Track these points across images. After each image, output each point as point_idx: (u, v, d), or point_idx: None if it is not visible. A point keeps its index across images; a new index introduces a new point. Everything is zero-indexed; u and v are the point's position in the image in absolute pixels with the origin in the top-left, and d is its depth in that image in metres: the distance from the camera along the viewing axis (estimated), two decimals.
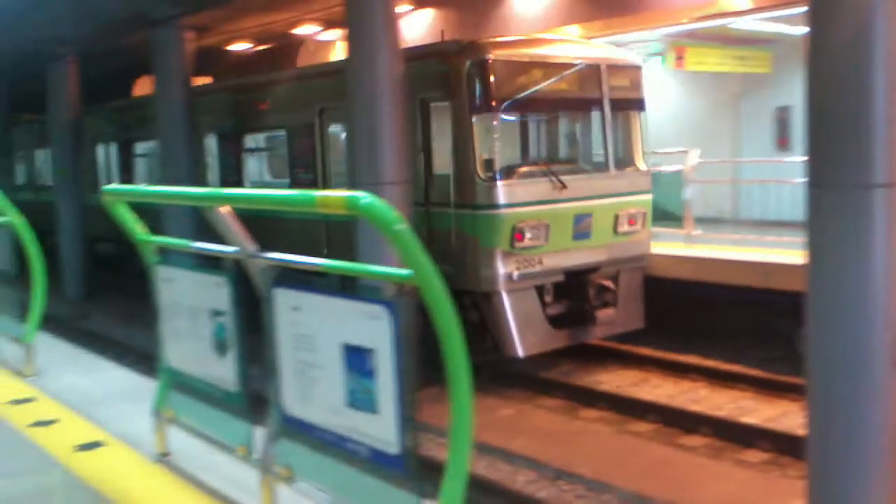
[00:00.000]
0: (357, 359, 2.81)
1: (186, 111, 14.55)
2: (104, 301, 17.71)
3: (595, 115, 11.24)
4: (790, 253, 10.25)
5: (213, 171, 14.92)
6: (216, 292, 3.57)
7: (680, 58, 15.30)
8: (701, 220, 13.13)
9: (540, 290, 10.30)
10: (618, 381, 10.47)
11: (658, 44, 16.44)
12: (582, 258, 10.56)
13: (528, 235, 9.96)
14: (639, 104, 11.54)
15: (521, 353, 10.03)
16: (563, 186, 10.22)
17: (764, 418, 8.93)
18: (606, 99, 10.93)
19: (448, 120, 10.26)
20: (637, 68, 11.64)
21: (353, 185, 9.85)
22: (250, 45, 20.93)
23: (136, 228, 4.04)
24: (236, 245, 3.35)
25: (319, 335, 3.00)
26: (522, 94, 10.03)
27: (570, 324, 10.62)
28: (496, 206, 9.80)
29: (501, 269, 9.88)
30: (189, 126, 14.51)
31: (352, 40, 10.39)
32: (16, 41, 17.38)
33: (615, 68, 11.13)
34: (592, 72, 10.80)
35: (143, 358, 12.46)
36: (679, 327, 11.76)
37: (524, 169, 10.64)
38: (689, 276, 11.41)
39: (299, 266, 3.13)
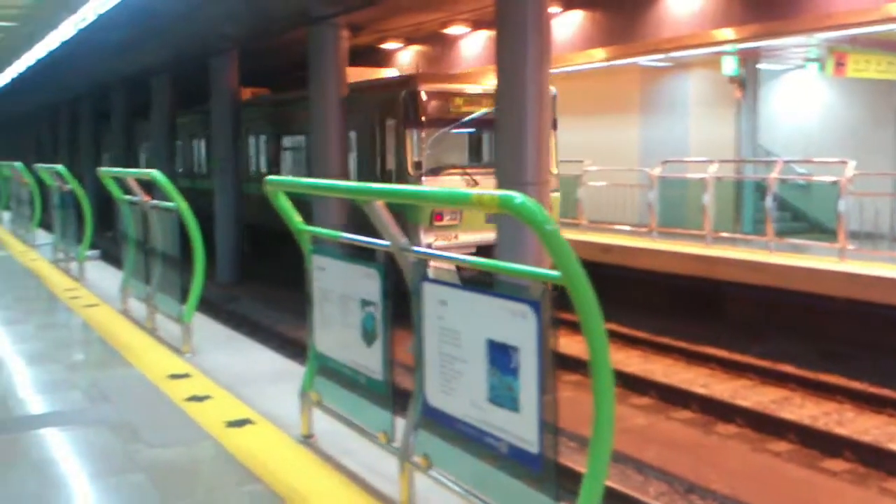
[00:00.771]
0: (500, 356, 2.84)
1: (340, 107, 15.05)
2: (253, 286, 18.50)
3: None
4: None
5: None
6: (367, 283, 3.69)
7: (840, 64, 14.70)
8: (856, 235, 12.56)
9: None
10: (757, 398, 10.17)
11: (816, 49, 15.81)
12: (492, 236, 12.34)
13: (445, 217, 13.29)
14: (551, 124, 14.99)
15: None
16: (476, 183, 13.73)
17: None
18: None
19: (394, 133, 14.15)
20: (551, 97, 14.95)
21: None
22: (401, 45, 21.35)
23: (295, 218, 4.21)
24: (389, 238, 3.45)
25: (464, 330, 3.05)
26: (445, 115, 13.66)
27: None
28: None
29: (423, 239, 13.23)
30: (341, 121, 15.07)
31: (500, 41, 10.48)
32: (183, 35, 18.37)
33: None
34: None
35: (286, 343, 12.98)
36: (823, 345, 11.32)
37: (445, 169, 13.92)
38: (840, 294, 10.95)
39: (451, 262, 3.21)
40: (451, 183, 13.34)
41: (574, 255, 2.44)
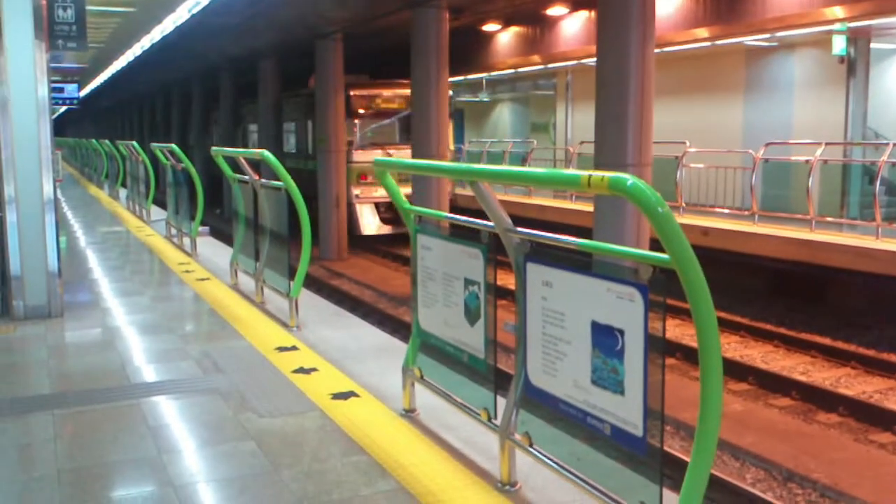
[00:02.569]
0: (605, 338, 2.85)
1: (441, 88, 15.14)
2: (354, 263, 18.88)
3: None
4: None
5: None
6: (470, 262, 3.75)
7: None
8: None
9: (377, 206, 20.92)
10: (861, 387, 9.91)
11: None
12: (402, 191, 17.42)
13: (369, 178, 19.43)
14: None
15: (364, 233, 20.76)
16: (389, 154, 19.71)
17: None
18: None
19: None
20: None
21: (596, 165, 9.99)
22: (499, 27, 21.27)
23: (401, 197, 4.30)
24: (494, 219, 3.49)
25: (569, 311, 3.06)
26: (368, 109, 20.86)
27: (392, 223, 20.68)
28: (351, 162, 20.69)
29: (354, 192, 20.82)
30: (443, 102, 15.26)
31: (602, 21, 10.36)
32: (290, 19, 18.69)
33: None
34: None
35: (386, 318, 13.21)
36: None
37: (368, 145, 20.76)
38: None
39: (552, 242, 3.24)
40: (373, 154, 18.98)
41: (685, 240, 2.42)
